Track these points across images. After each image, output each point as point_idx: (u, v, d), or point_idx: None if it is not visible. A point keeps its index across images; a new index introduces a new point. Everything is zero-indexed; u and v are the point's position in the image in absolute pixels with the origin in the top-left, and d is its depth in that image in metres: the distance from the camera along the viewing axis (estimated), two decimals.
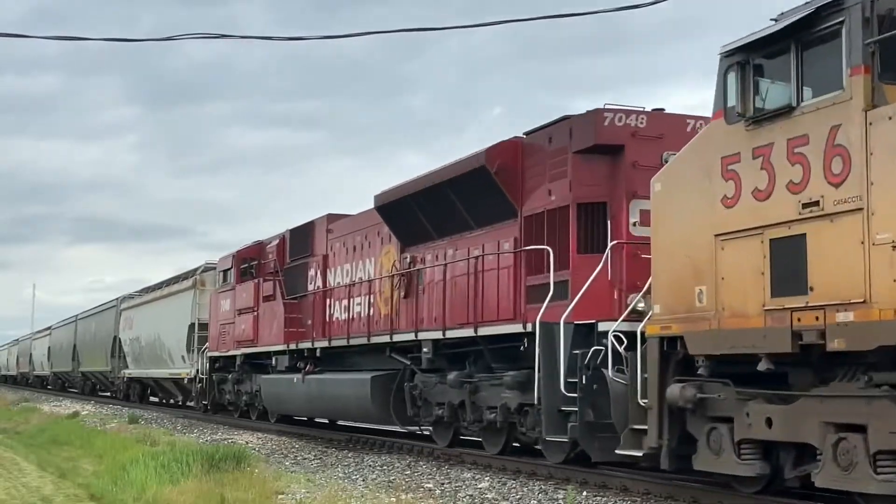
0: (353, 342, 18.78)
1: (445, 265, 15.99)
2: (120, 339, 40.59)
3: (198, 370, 29.04)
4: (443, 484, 12.84)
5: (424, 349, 15.86)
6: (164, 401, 38.87)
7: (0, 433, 25.07)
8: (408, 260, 17.40)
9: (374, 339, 17.83)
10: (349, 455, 17.10)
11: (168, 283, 36.36)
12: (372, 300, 18.58)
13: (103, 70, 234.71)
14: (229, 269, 26.69)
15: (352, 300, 19.48)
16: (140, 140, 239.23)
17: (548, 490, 11.86)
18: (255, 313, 24.04)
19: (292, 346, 21.46)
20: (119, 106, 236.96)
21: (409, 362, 16.78)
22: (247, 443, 19.45)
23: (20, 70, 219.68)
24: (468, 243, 15.61)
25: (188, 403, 33.29)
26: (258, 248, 25.47)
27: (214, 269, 29.62)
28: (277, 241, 23.99)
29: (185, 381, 30.99)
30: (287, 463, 16.19)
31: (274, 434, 22.03)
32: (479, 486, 12.42)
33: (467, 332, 14.78)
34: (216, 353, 27.20)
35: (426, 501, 11.15)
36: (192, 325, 30.60)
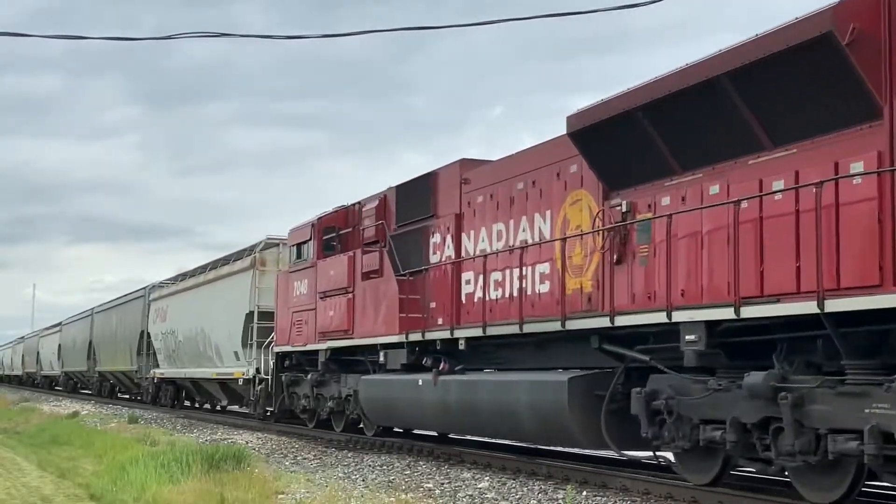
0: (531, 328, 13.17)
1: (702, 211, 10.59)
2: (149, 334, 35.81)
3: (258, 369, 23.93)
4: (443, 484, 12.83)
5: (689, 336, 10.37)
6: (201, 405, 34.39)
7: (0, 433, 25.08)
8: (621, 208, 12.08)
9: (574, 325, 12.27)
10: (349, 455, 17.09)
11: (215, 265, 30.12)
12: (548, 270, 13.49)
13: (104, 70, 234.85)
14: (307, 241, 20.95)
15: (509, 272, 14.28)
16: (141, 140, 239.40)
17: (548, 490, 11.86)
18: (350, 295, 18.69)
19: (414, 337, 16.25)
20: (120, 106, 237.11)
21: (647, 358, 11.44)
22: (247, 443, 19.45)
23: (21, 70, 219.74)
24: (755, 173, 10.13)
25: (238, 408, 29.29)
26: (344, 213, 20.20)
27: (277, 245, 24.66)
28: (376, 202, 18.66)
29: (240, 382, 25.55)
30: (287, 463, 16.19)
31: (274, 434, 22.03)
32: (479, 486, 12.42)
33: (800, 307, 9.10)
34: (287, 348, 21.67)
35: (426, 501, 11.15)
36: (249, 315, 25.14)
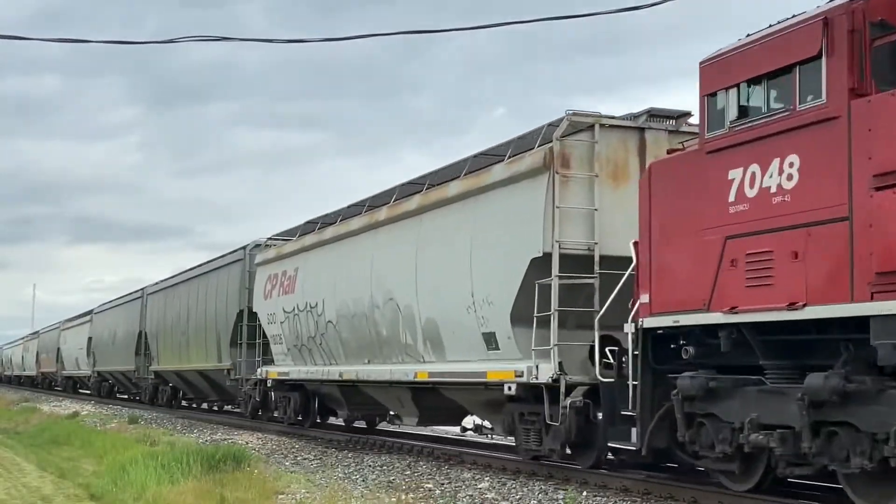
0: None
1: None
2: (251, 316, 24.37)
3: (560, 365, 12.35)
4: (443, 484, 12.83)
5: None
6: (353, 424, 22.80)
7: (0, 433, 25.09)
8: None
9: None
10: (349, 455, 17.09)
11: (430, 179, 16.47)
12: None
13: (106, 71, 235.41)
14: (795, 65, 9.15)
15: None
16: (142, 140, 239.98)
17: (548, 490, 11.86)
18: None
19: None
20: (121, 107, 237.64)
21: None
22: (247, 443, 19.45)
23: (23, 71, 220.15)
24: None
25: (508, 441, 15.84)
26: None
27: (592, 127, 12.82)
28: None
29: (509, 390, 13.29)
30: (287, 463, 16.19)
31: (274, 434, 22.01)
32: (479, 486, 12.42)
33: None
34: (699, 318, 10.13)
35: (426, 501, 11.15)
36: (537, 263, 12.73)
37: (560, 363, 12.25)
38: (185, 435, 22.33)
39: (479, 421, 15.78)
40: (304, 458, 16.98)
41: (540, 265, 12.58)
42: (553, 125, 12.99)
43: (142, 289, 36.89)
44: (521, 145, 13.99)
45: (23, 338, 75.13)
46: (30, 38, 12.94)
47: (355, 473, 14.49)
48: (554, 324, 12.29)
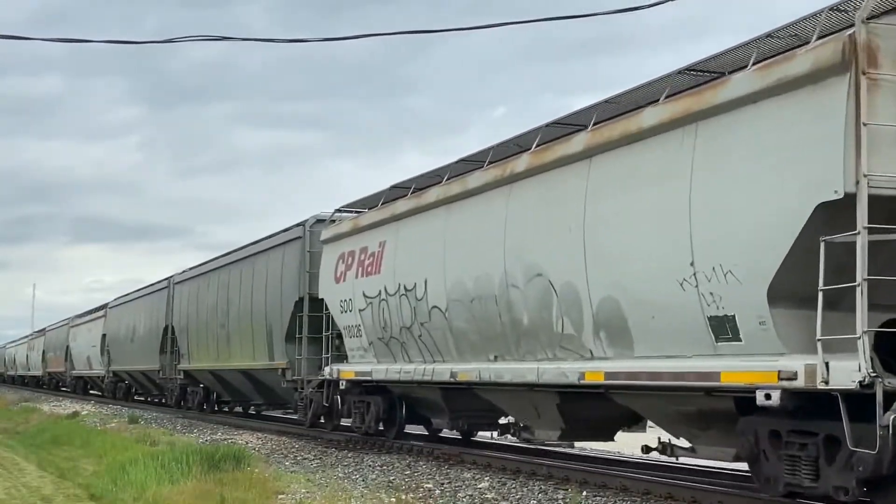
0: None
1: None
2: (324, 304, 19.31)
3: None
4: (443, 484, 12.83)
5: None
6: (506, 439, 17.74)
7: (0, 433, 25.08)
8: None
9: None
10: (349, 455, 17.09)
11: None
12: None
13: (106, 71, 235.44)
14: None
15: None
16: (143, 140, 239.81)
17: (547, 490, 11.86)
18: None
19: None
20: (122, 106, 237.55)
21: None
22: (247, 443, 19.44)
23: (24, 71, 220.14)
24: None
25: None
26: None
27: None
28: None
29: (770, 402, 8.98)
30: (287, 463, 16.19)
31: (274, 434, 22.01)
32: (479, 487, 12.42)
33: None
34: None
35: (426, 501, 11.15)
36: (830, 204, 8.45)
37: (872, 359, 8.07)
38: (185, 435, 22.31)
39: (668, 437, 11.58)
40: (304, 458, 16.98)
41: (829, 214, 8.44)
42: (839, 8, 9.00)
43: (167, 278, 32.35)
44: (773, 46, 9.81)
45: (27, 336, 70.88)
46: (30, 38, 12.91)
47: (355, 473, 14.49)
48: (862, 301, 8.03)
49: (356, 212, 18.95)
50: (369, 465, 15.38)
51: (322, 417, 20.38)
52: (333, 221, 19.59)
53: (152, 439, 19.15)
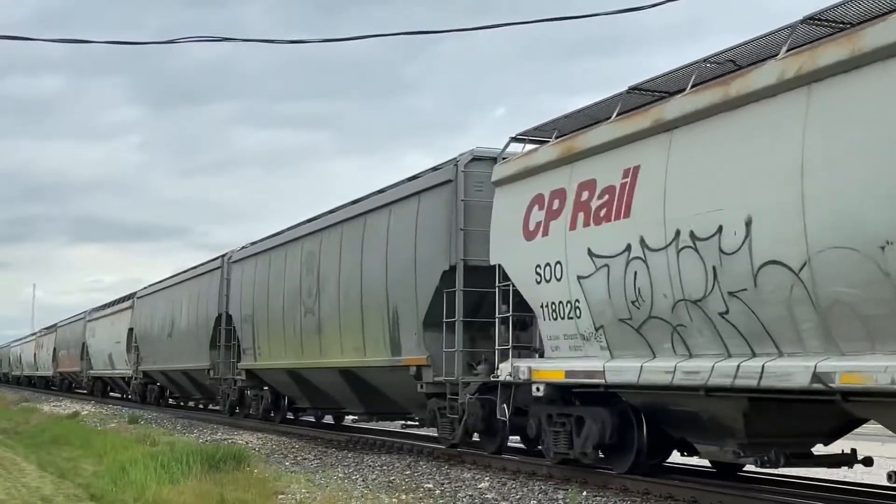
0: None
1: None
2: (500, 272, 13.47)
3: None
4: (443, 484, 12.83)
5: None
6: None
7: (0, 433, 25.07)
8: None
9: None
10: (349, 455, 17.08)
11: None
12: None
13: (107, 71, 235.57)
14: None
15: None
16: (143, 140, 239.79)
17: (548, 490, 11.85)
18: None
19: None
20: (122, 106, 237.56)
21: None
22: (247, 443, 19.43)
23: (25, 71, 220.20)
24: None
25: None
26: None
27: None
28: None
29: None
30: (287, 463, 16.18)
31: (274, 434, 21.99)
32: (479, 487, 12.41)
33: None
34: None
35: (426, 501, 11.15)
36: None
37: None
38: (185, 435, 22.30)
39: None
40: (304, 458, 16.97)
41: None
42: None
43: (220, 256, 26.72)
44: None
45: (34, 333, 65.43)
46: (31, 39, 12.90)
47: (355, 473, 14.48)
48: None
49: (542, 142, 13.31)
50: (369, 465, 15.37)
51: (479, 435, 15.19)
52: (505, 160, 13.85)
53: (152, 439, 19.12)
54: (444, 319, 14.82)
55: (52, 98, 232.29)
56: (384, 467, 15.06)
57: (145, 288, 35.95)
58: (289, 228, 22.37)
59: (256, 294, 23.21)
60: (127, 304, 37.38)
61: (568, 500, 10.90)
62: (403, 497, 11.15)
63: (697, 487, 10.81)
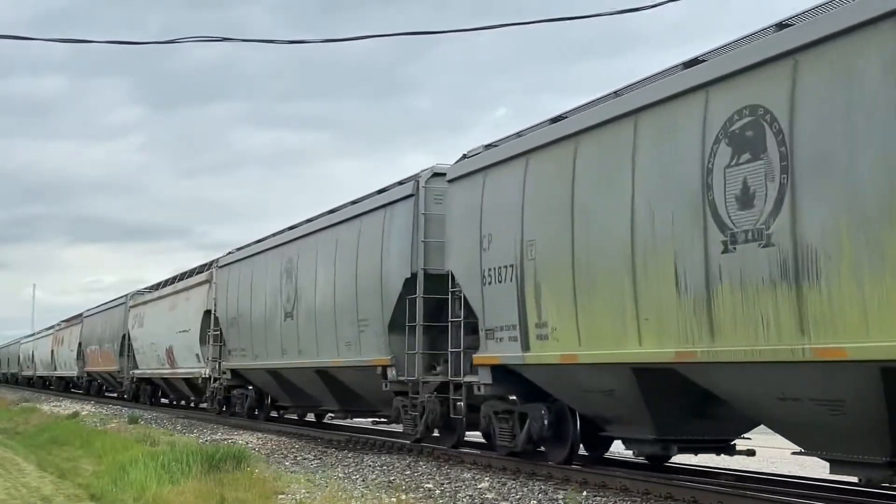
0: None
1: None
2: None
3: None
4: (443, 484, 12.83)
5: None
6: None
7: (0, 433, 25.08)
8: None
9: None
10: (349, 455, 17.08)
11: None
12: None
13: (109, 72, 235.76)
14: None
15: None
16: (145, 141, 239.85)
17: (548, 490, 11.85)
18: None
19: None
20: (124, 107, 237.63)
21: None
22: (247, 443, 19.43)
23: (26, 72, 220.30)
24: None
25: None
26: None
27: None
28: None
29: None
30: (287, 463, 16.18)
31: (274, 434, 22.00)
32: (479, 487, 12.42)
33: None
34: None
35: (426, 501, 11.15)
36: None
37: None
38: (185, 435, 22.30)
39: None
40: (304, 458, 16.97)
41: None
42: None
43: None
44: None
45: (51, 327, 54.91)
46: (33, 39, 12.99)
47: (355, 473, 14.48)
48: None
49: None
50: (369, 465, 15.38)
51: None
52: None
53: (152, 439, 19.13)
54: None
55: (53, 98, 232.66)
56: (384, 467, 15.06)
57: (228, 254, 26.56)
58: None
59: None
60: (201, 278, 28.28)
61: (568, 500, 10.90)
62: (403, 497, 11.15)
63: (697, 487, 10.81)
